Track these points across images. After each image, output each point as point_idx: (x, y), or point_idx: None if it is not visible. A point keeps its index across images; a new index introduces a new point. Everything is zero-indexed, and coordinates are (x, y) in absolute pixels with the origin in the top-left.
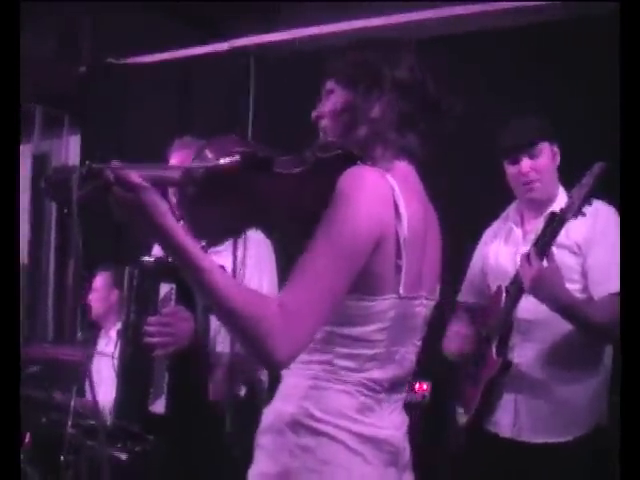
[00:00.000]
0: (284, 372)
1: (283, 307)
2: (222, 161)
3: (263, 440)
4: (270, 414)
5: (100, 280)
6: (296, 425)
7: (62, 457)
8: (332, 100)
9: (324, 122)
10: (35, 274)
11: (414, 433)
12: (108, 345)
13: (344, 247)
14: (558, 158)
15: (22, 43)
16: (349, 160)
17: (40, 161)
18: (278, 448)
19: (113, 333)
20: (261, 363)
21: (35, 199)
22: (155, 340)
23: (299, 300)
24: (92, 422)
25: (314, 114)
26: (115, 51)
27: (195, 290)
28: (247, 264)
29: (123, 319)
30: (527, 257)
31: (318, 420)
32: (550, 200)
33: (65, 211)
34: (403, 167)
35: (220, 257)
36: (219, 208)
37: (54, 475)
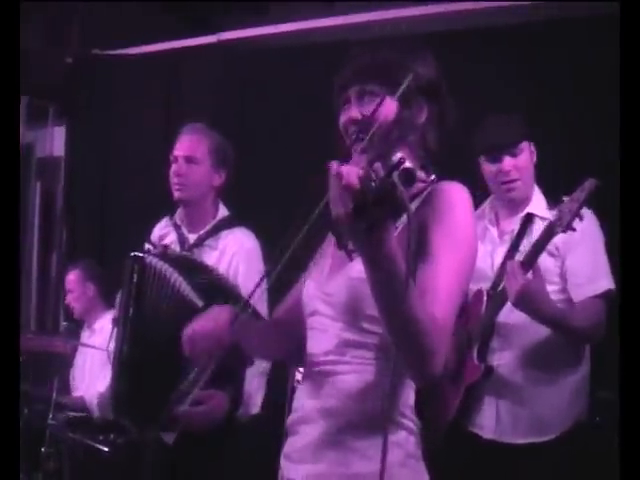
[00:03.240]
0: (337, 370)
1: (436, 322)
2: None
3: (344, 441)
4: (346, 414)
5: (72, 277)
6: (387, 422)
7: (43, 449)
8: (380, 105)
9: (365, 126)
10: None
11: None
12: (91, 337)
13: (469, 261)
14: (535, 157)
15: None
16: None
17: (25, 151)
18: (372, 446)
19: (97, 325)
20: (417, 377)
21: (19, 189)
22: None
23: (446, 316)
24: (75, 414)
25: (351, 116)
26: (102, 42)
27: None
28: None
29: (120, 313)
30: (512, 270)
31: (403, 415)
32: (527, 199)
33: None
34: None
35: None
36: None
37: (36, 466)
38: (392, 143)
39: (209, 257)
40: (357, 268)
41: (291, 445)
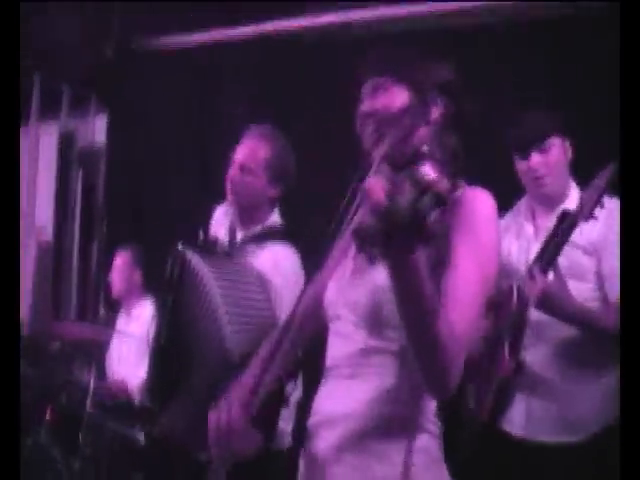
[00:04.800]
0: (358, 374)
1: (454, 337)
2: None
3: (365, 445)
4: (367, 419)
5: (120, 259)
6: (410, 425)
7: (81, 435)
8: (391, 99)
9: (376, 121)
10: (59, 252)
11: None
12: (129, 323)
13: (490, 269)
14: (570, 153)
15: (52, 23)
16: None
17: (66, 139)
18: (393, 451)
19: (134, 312)
20: (435, 391)
21: (60, 177)
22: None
23: (465, 327)
24: (112, 402)
25: (363, 110)
26: (143, 33)
27: None
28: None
29: (160, 302)
30: (530, 272)
31: (427, 419)
32: (563, 195)
33: None
34: None
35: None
36: None
37: (74, 452)
38: (411, 144)
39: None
40: (382, 276)
41: (311, 448)
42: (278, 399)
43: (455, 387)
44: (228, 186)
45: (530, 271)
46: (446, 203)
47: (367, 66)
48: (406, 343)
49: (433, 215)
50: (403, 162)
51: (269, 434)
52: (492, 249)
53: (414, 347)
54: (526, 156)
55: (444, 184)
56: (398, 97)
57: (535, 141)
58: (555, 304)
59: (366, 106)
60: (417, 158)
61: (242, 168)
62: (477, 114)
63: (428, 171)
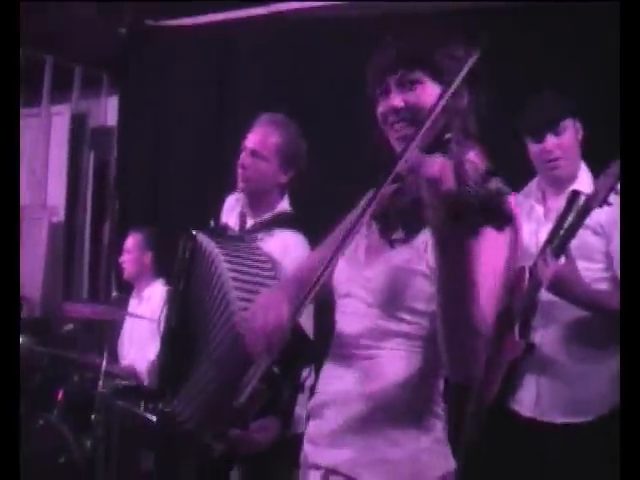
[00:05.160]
0: (366, 355)
1: (485, 320)
2: None
3: (372, 426)
4: (375, 400)
5: (132, 241)
6: (418, 409)
7: (93, 416)
8: (424, 92)
9: (409, 115)
10: (71, 233)
11: None
12: (140, 305)
13: (514, 253)
14: (581, 134)
15: (64, 5)
16: None
17: (78, 120)
18: (401, 433)
19: (145, 294)
20: (460, 375)
21: (72, 158)
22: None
23: (489, 315)
24: (124, 382)
25: (393, 104)
26: (155, 13)
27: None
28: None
29: (172, 286)
30: (542, 254)
31: (437, 404)
32: (573, 177)
33: None
34: None
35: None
36: None
37: (85, 432)
38: (447, 136)
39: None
40: (401, 257)
41: (315, 429)
42: (291, 388)
43: (480, 372)
44: (239, 172)
45: (542, 254)
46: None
47: (389, 59)
48: (438, 325)
49: (506, 198)
50: (436, 148)
51: (286, 421)
52: (515, 232)
53: (448, 329)
54: (541, 139)
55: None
56: (429, 92)
57: (550, 124)
58: (566, 287)
59: (395, 100)
60: (458, 144)
61: (253, 154)
62: (492, 99)
63: (476, 157)
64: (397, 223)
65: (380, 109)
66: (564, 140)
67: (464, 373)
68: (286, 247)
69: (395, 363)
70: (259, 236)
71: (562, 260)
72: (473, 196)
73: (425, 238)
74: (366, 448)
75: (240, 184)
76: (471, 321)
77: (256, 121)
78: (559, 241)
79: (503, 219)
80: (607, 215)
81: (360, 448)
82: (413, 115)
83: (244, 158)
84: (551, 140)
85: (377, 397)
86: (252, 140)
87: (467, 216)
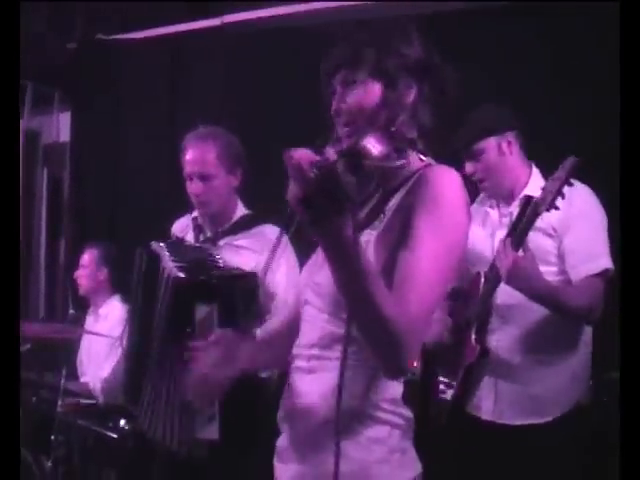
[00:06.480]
0: (316, 367)
1: (408, 317)
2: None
3: (322, 440)
4: (323, 413)
5: (88, 256)
6: (364, 417)
7: (53, 436)
8: (364, 92)
9: (351, 116)
10: (26, 251)
11: None
12: (97, 323)
13: (456, 247)
14: (514, 148)
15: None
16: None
17: (30, 137)
18: (350, 445)
19: (102, 310)
20: (388, 371)
21: (26, 175)
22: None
23: (422, 306)
24: (83, 401)
25: (335, 108)
26: (106, 27)
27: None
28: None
29: (131, 303)
30: (502, 247)
31: (383, 410)
32: (522, 184)
33: None
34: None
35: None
36: None
37: (45, 454)
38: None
39: (230, 255)
40: None
41: (279, 443)
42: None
43: (409, 368)
44: (193, 200)
45: (502, 244)
46: (361, 165)
47: (334, 61)
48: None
49: (349, 178)
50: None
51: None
52: (457, 230)
53: (358, 325)
54: (461, 163)
55: (373, 152)
56: (371, 92)
57: (466, 148)
58: (525, 278)
59: (338, 102)
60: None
61: (201, 177)
62: (454, 86)
63: (372, 143)
64: None
65: (330, 110)
66: (483, 162)
67: (393, 367)
68: (264, 237)
69: (339, 371)
70: (221, 243)
71: (521, 253)
72: (313, 178)
73: (368, 238)
74: (318, 462)
75: (199, 210)
76: (379, 315)
77: (185, 144)
78: (517, 237)
79: (337, 200)
80: (559, 216)
81: (313, 462)
82: (353, 115)
83: (193, 186)
84: (468, 166)
85: (322, 409)
86: (192, 164)
87: (309, 198)
